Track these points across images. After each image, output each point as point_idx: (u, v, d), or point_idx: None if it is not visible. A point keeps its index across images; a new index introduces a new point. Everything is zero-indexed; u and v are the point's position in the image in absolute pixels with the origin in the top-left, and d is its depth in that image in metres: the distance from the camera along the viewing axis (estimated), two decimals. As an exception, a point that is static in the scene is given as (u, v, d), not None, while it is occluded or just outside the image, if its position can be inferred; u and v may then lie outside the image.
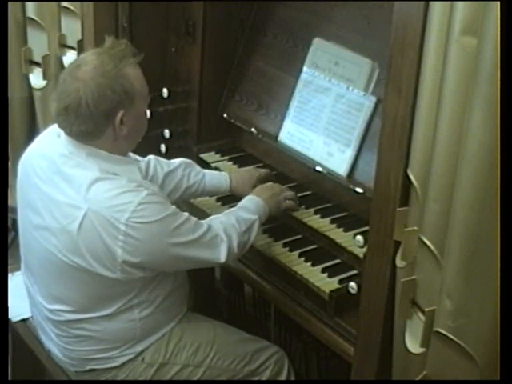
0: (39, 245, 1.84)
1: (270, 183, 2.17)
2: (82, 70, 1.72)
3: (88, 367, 1.95)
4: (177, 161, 2.19)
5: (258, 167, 2.36)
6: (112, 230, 1.71)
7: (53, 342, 1.99)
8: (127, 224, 1.70)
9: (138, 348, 1.93)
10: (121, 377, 1.94)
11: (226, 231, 1.86)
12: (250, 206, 2.00)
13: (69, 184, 1.75)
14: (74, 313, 1.86)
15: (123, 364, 1.93)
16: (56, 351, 1.99)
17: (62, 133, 1.81)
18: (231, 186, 2.22)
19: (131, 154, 1.95)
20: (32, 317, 2.13)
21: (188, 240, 1.78)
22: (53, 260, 1.80)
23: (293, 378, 2.14)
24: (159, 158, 2.17)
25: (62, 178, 1.77)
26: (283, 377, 2.11)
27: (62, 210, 1.75)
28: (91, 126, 1.73)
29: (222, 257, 1.85)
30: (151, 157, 2.15)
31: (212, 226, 1.85)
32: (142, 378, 1.95)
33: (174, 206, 1.81)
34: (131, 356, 1.93)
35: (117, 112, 1.73)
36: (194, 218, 1.82)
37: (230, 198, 2.26)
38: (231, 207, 2.16)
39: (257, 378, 2.07)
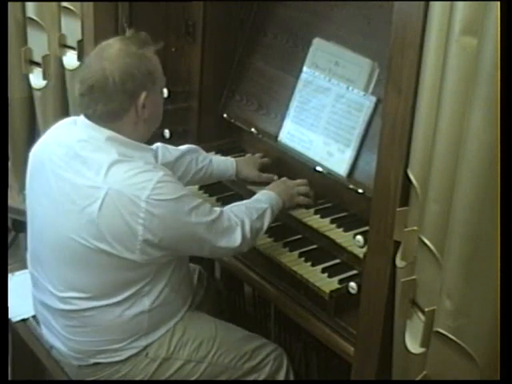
0: (55, 232, 1.84)
1: (283, 178, 2.23)
2: (106, 51, 1.79)
3: (92, 361, 1.95)
4: (184, 147, 2.25)
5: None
6: (133, 208, 1.73)
7: (57, 336, 1.98)
8: (147, 201, 1.73)
9: (143, 342, 1.94)
10: (123, 371, 1.95)
11: (237, 216, 1.92)
12: (261, 198, 2.06)
13: (88, 166, 1.78)
14: (88, 300, 1.87)
15: (127, 358, 1.94)
16: (60, 345, 1.99)
17: (78, 119, 1.85)
18: (237, 169, 2.30)
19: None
20: (34, 316, 2.13)
21: (204, 221, 1.82)
22: (71, 245, 1.81)
23: (291, 375, 2.15)
24: (167, 145, 2.23)
25: (81, 161, 1.79)
26: (282, 373, 2.12)
27: (81, 193, 1.78)
28: (116, 104, 1.78)
29: (238, 240, 1.89)
30: (159, 144, 2.20)
31: (224, 211, 1.90)
32: (144, 373, 1.95)
33: (188, 189, 1.88)
34: (136, 350, 1.93)
35: (140, 93, 1.79)
36: (207, 204, 1.88)
37: (229, 198, 2.27)
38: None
39: (256, 375, 2.08)
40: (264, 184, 2.24)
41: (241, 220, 1.91)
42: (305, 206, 2.18)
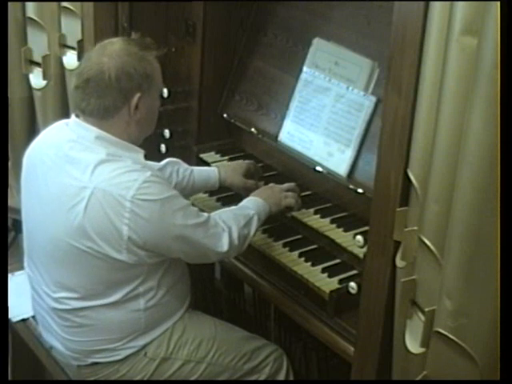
0: (45, 233, 1.85)
1: (270, 184, 2.20)
2: (108, 48, 1.80)
3: (90, 360, 1.95)
4: (164, 161, 2.21)
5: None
6: (118, 208, 1.73)
7: (55, 336, 1.99)
8: (132, 201, 1.73)
9: (141, 341, 1.94)
10: (122, 371, 1.95)
11: (225, 222, 1.90)
12: (248, 204, 2.04)
13: (75, 166, 1.78)
14: (80, 300, 1.87)
15: (126, 358, 1.94)
16: (58, 345, 2.00)
17: (70, 121, 1.86)
18: (220, 177, 2.25)
19: None
20: (33, 316, 2.13)
21: (191, 223, 1.81)
22: (60, 246, 1.81)
23: (291, 376, 2.16)
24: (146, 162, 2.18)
25: (69, 161, 1.80)
26: (282, 374, 2.12)
27: (68, 192, 1.78)
28: (109, 101, 1.78)
29: (225, 246, 1.87)
30: None
31: (211, 217, 1.89)
32: (143, 373, 1.96)
33: (176, 190, 1.86)
34: (134, 349, 1.94)
35: (135, 93, 1.79)
36: (195, 207, 1.88)
37: (229, 198, 2.27)
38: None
39: (256, 376, 2.08)
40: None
41: (228, 227, 1.89)
42: (298, 209, 2.16)
